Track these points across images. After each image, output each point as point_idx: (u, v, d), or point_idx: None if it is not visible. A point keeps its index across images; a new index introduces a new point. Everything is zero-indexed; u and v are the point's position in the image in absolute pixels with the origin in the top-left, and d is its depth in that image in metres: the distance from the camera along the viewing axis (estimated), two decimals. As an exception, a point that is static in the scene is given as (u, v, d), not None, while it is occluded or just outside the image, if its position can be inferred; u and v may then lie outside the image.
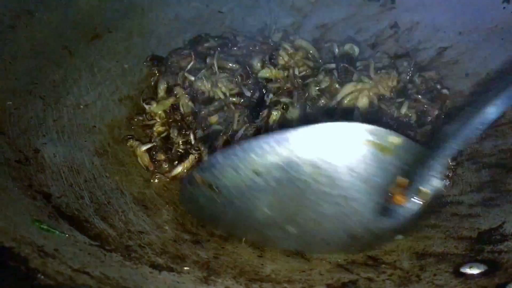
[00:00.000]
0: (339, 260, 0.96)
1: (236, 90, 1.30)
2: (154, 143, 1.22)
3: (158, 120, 1.28)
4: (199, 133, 1.22)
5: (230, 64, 1.38)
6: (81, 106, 1.27)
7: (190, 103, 1.29)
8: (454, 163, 1.16)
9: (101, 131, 1.24)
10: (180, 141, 1.22)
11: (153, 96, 1.35)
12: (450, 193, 1.11)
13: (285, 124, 1.19)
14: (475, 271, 0.85)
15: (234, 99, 1.29)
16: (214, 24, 1.58)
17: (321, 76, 1.32)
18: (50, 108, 1.22)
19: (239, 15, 1.61)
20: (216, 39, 1.48)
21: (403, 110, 1.27)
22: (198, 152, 1.18)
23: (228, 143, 1.17)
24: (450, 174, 1.13)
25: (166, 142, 1.25)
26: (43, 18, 1.36)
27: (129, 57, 1.45)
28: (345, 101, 1.26)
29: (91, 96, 1.31)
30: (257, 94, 1.30)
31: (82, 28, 1.41)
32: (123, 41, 1.46)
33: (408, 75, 1.36)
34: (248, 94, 1.30)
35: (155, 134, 1.26)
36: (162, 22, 1.55)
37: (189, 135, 1.21)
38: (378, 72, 1.31)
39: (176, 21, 1.56)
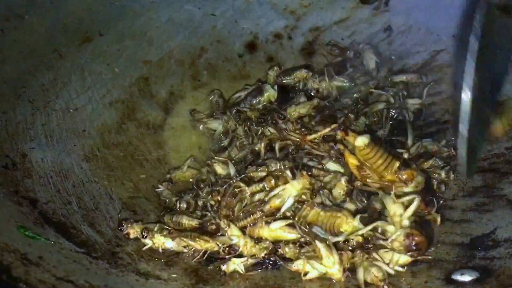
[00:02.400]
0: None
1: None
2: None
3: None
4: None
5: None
6: (71, 110, 1.25)
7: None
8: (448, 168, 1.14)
9: (91, 136, 1.23)
10: None
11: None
12: (443, 198, 1.10)
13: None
14: (466, 278, 0.84)
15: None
16: (206, 27, 1.57)
17: None
18: (39, 112, 1.20)
19: (232, 18, 1.59)
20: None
21: None
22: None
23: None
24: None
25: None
26: (33, 21, 1.35)
27: (121, 60, 1.44)
28: None
29: (81, 99, 1.29)
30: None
31: (73, 31, 1.40)
32: (115, 44, 1.45)
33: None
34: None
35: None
36: (154, 25, 1.53)
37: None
38: None
39: (168, 24, 1.55)
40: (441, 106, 1.33)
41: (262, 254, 0.93)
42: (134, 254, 0.92)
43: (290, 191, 0.96)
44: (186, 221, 0.98)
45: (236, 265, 0.92)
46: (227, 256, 0.93)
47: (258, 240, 0.95)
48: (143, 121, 1.34)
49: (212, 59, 1.54)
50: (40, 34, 1.34)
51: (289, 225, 0.95)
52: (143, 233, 0.95)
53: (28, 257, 0.78)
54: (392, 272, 0.88)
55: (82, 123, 1.24)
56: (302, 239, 0.95)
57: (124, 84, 1.40)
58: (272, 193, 0.96)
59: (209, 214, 1.00)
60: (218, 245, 0.93)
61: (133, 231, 0.99)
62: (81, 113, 1.27)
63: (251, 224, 0.96)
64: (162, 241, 0.95)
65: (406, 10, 1.52)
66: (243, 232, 0.95)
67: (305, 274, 0.89)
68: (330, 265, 0.87)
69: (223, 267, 0.92)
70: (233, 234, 0.94)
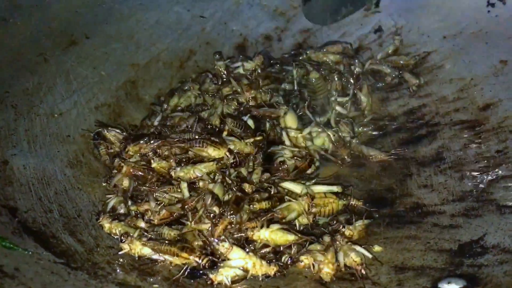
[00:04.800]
0: (315, 275, 0.93)
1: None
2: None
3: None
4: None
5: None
6: (55, 115, 1.23)
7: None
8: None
9: (76, 141, 1.20)
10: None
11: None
12: (432, 203, 1.08)
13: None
14: (453, 287, 0.83)
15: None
16: (196, 29, 1.55)
17: None
18: (22, 117, 1.18)
19: (221, 20, 1.58)
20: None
21: None
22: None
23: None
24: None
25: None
26: (18, 25, 1.33)
27: (107, 63, 1.42)
28: None
29: (66, 104, 1.27)
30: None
31: (58, 35, 1.38)
32: (101, 47, 1.43)
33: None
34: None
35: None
36: (142, 28, 1.52)
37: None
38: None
39: (156, 26, 1.53)
40: (431, 108, 1.31)
41: (273, 272, 0.91)
42: (115, 264, 0.90)
43: (294, 208, 1.02)
44: (167, 231, 0.96)
45: (223, 276, 0.90)
46: (207, 269, 0.91)
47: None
48: (129, 125, 1.32)
49: (201, 62, 1.52)
50: (24, 37, 1.32)
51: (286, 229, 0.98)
52: (122, 238, 0.93)
53: (3, 269, 0.76)
54: (369, 255, 0.94)
55: (66, 128, 1.22)
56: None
57: (111, 88, 1.38)
58: (281, 206, 1.02)
59: (188, 224, 0.97)
60: (197, 261, 0.91)
61: (108, 226, 0.99)
62: (66, 118, 1.24)
63: (251, 228, 0.96)
64: (140, 248, 0.93)
65: (397, 11, 1.50)
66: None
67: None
68: (330, 259, 0.92)
69: (211, 275, 0.89)
70: (239, 256, 0.91)
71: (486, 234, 0.95)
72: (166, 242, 0.93)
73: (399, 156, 1.21)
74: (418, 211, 1.07)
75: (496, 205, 1.02)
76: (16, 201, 0.98)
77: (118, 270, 0.88)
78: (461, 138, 1.21)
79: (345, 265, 0.93)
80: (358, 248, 0.95)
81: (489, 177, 1.09)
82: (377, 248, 0.99)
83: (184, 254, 0.90)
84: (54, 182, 1.07)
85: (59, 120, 1.23)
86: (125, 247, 0.93)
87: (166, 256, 0.92)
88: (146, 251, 0.93)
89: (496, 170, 1.10)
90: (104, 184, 1.12)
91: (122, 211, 1.04)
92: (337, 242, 0.95)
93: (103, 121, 1.30)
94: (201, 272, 0.91)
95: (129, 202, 1.06)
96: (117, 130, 1.21)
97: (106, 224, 0.99)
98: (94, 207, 1.06)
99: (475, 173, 1.12)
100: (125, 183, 1.09)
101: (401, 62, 1.42)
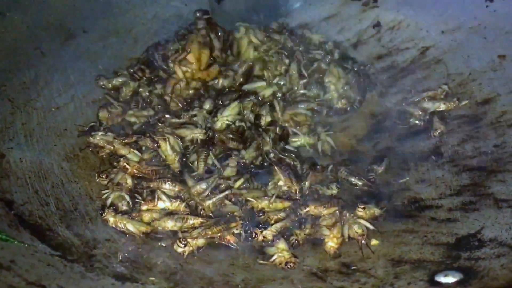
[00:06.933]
0: (313, 268, 0.93)
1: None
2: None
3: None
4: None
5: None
6: (52, 109, 1.23)
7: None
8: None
9: (72, 135, 1.20)
10: None
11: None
12: (430, 197, 1.08)
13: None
14: (450, 279, 0.83)
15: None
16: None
17: None
18: (19, 111, 1.18)
19: (219, 14, 1.57)
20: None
21: None
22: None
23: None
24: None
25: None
26: (15, 19, 1.32)
27: (105, 57, 1.41)
28: None
29: (63, 98, 1.26)
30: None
31: (56, 28, 1.38)
32: (99, 41, 1.43)
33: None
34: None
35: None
36: (140, 22, 1.52)
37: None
38: None
39: (154, 21, 1.53)
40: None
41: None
42: (112, 257, 0.90)
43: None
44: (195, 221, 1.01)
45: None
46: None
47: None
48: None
49: (198, 56, 1.51)
50: (21, 31, 1.32)
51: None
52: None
53: (-1, 261, 0.75)
54: (371, 227, 1.01)
55: (63, 122, 1.22)
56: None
57: (108, 82, 1.37)
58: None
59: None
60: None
61: (113, 220, 0.99)
62: (63, 111, 1.24)
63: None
64: (124, 222, 0.98)
65: (395, 6, 1.50)
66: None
67: None
68: (336, 234, 1.00)
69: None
70: None
71: (483, 228, 0.95)
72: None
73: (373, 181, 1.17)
74: (415, 205, 1.07)
75: (493, 199, 1.02)
76: (12, 194, 0.97)
77: (114, 263, 0.88)
78: (459, 132, 1.20)
79: (348, 236, 1.00)
80: (361, 221, 1.01)
81: (487, 172, 1.09)
82: (374, 241, 0.99)
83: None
84: (51, 175, 1.07)
85: (56, 114, 1.22)
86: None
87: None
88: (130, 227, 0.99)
89: (494, 164, 1.10)
90: (97, 180, 1.11)
91: (125, 208, 1.05)
92: (345, 218, 1.03)
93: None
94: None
95: (130, 200, 1.06)
96: (109, 133, 1.17)
97: (111, 218, 0.99)
98: (91, 200, 1.05)
99: (472, 168, 1.12)
100: (129, 181, 1.09)
101: (442, 107, 1.26)
